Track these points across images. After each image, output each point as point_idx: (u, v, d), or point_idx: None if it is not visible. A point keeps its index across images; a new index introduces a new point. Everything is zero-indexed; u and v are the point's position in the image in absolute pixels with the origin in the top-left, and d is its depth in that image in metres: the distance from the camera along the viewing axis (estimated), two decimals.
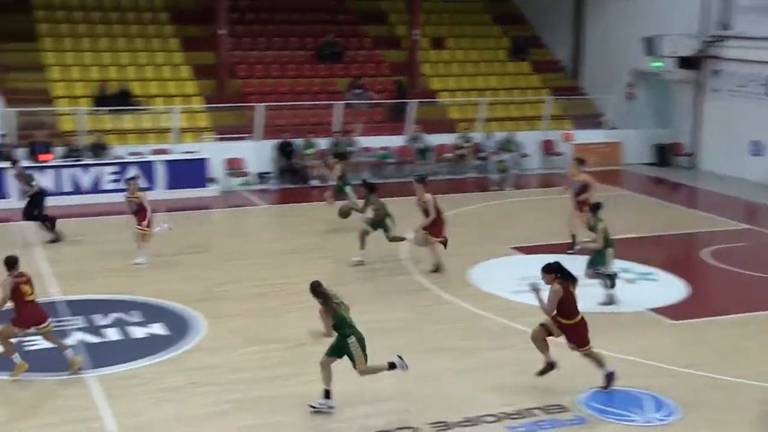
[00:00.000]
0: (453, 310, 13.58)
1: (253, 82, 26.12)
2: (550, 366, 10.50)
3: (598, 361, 10.55)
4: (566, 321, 10.31)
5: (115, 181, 21.44)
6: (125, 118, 23.73)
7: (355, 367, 9.93)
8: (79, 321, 12.86)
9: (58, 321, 12.82)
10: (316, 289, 9.95)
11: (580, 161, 17.47)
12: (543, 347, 10.50)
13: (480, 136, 25.84)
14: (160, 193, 21.82)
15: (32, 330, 11.05)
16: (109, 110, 23.50)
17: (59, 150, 21.74)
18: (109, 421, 9.71)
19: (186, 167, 22.32)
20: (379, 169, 24.81)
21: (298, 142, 24.03)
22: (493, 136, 25.79)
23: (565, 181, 18.26)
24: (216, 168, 22.87)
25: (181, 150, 22.83)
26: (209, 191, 22.42)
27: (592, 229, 13.79)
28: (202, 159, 22.54)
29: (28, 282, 10.90)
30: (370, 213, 16.07)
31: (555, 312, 10.31)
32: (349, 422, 9.73)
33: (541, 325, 10.47)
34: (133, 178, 16.60)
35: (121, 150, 22.44)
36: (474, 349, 11.51)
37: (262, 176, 23.49)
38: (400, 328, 12.70)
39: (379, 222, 15.79)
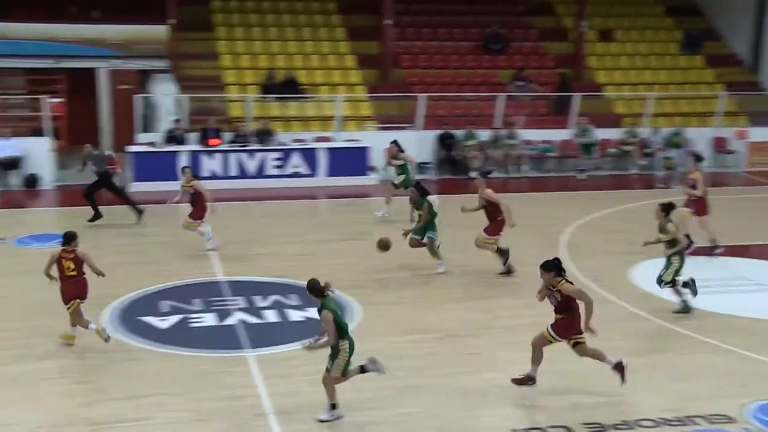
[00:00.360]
0: (611, 309, 13.11)
1: (417, 72, 26.21)
2: (529, 379, 10.02)
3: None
4: (558, 315, 9.83)
5: (279, 167, 22.06)
6: (291, 105, 24.34)
7: (328, 372, 9.20)
8: (240, 301, 13.25)
9: (221, 300, 13.31)
10: (314, 286, 9.15)
11: (698, 158, 16.70)
12: (537, 358, 9.99)
13: (647, 131, 25.00)
14: (321, 180, 22.38)
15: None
16: (276, 98, 24.16)
17: (227, 135, 22.54)
18: (266, 400, 9.94)
19: (347, 155, 22.71)
20: (540, 163, 24.44)
21: (459, 133, 23.95)
22: (660, 132, 24.85)
23: (683, 180, 17.52)
24: (377, 157, 23.12)
25: (344, 138, 23.23)
26: (369, 179, 22.71)
27: (662, 230, 12.92)
28: (363, 147, 22.86)
29: (74, 259, 11.00)
30: (415, 218, 15.40)
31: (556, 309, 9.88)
32: (496, 418, 9.58)
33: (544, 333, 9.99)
34: (188, 167, 16.70)
35: (285, 137, 23.02)
36: (631, 349, 11.09)
37: (422, 166, 23.55)
38: None
39: (427, 225, 15.11)
